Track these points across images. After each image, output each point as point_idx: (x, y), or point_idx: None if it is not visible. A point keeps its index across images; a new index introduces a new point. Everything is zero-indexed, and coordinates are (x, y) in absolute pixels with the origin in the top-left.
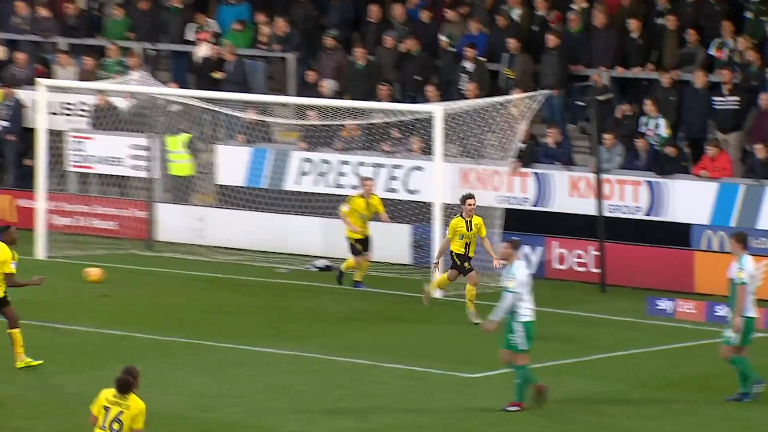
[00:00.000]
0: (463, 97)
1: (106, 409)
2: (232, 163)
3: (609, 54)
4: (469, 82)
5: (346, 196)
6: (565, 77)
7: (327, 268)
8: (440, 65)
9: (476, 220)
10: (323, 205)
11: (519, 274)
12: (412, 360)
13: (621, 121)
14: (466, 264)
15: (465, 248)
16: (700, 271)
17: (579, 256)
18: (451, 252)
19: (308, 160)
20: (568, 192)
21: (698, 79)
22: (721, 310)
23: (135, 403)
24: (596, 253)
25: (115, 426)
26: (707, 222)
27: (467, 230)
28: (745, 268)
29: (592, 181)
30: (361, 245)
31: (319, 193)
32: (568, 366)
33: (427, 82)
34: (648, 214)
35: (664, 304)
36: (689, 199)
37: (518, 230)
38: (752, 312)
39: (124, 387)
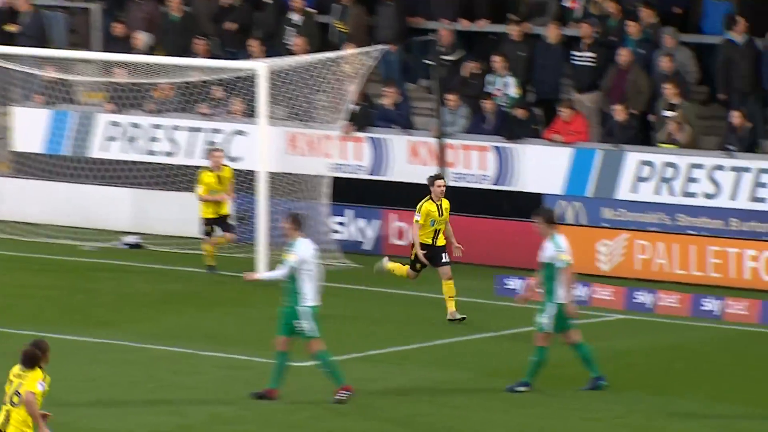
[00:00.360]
0: (289, 52)
1: (10, 383)
2: (29, 127)
3: (451, 5)
4: (296, 36)
5: (158, 164)
6: (404, 31)
7: (137, 246)
8: (264, 17)
9: (445, 204)
10: (133, 175)
11: (302, 251)
12: (232, 347)
13: (466, 80)
14: (417, 265)
15: (432, 237)
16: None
17: None
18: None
19: (116, 124)
20: (407, 159)
21: (551, 32)
22: (576, 290)
23: (34, 372)
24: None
25: (15, 399)
26: (561, 192)
27: (439, 215)
28: (564, 248)
29: (434, 146)
30: (211, 226)
31: (128, 161)
32: (409, 353)
33: (250, 36)
34: (496, 183)
35: (514, 284)
36: (541, 167)
37: (352, 201)
38: (563, 297)
39: (29, 360)
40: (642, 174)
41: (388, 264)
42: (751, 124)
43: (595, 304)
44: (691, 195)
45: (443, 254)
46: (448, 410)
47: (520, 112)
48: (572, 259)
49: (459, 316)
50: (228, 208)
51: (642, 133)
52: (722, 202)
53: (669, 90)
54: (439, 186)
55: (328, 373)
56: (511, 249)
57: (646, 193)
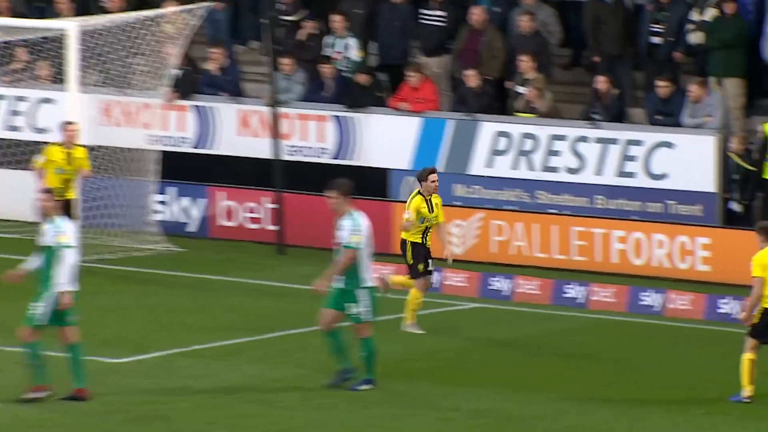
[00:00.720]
0: (103, 11)
1: None
2: None
3: None
4: None
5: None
6: None
7: None
8: None
9: (436, 200)
10: None
11: (68, 229)
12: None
13: (303, 42)
14: (420, 266)
15: (423, 235)
16: (400, 227)
17: (251, 210)
18: (405, 241)
19: None
20: (236, 130)
21: None
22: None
23: None
24: (273, 205)
25: None
26: (409, 166)
27: (429, 212)
28: (361, 228)
29: (266, 116)
30: None
31: None
32: (238, 347)
33: None
34: (336, 158)
35: None
36: (386, 139)
37: (175, 178)
38: (371, 280)
39: None
40: (498, 146)
41: (393, 278)
42: (618, 90)
43: (447, 291)
44: (553, 170)
45: (429, 260)
46: (279, 411)
47: (362, 78)
48: (364, 243)
49: (418, 331)
50: (75, 193)
51: (498, 101)
52: (587, 177)
53: (525, 63)
54: (433, 181)
55: (32, 367)
56: None
57: (502, 167)
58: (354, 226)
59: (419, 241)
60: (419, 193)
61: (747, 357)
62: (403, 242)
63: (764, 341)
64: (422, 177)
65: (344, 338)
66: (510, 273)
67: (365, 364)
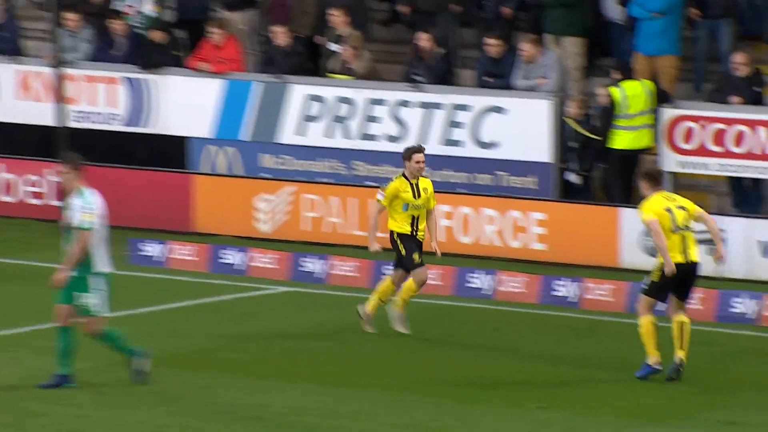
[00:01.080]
0: None
1: None
2: None
3: None
4: None
5: None
6: None
7: None
8: None
9: (425, 184)
10: None
11: None
12: None
13: None
14: (415, 255)
15: (412, 225)
16: (201, 202)
17: (33, 184)
18: (392, 233)
19: None
20: (15, 93)
21: None
22: (228, 256)
23: None
24: (57, 179)
25: None
26: (210, 134)
27: (414, 197)
28: (93, 207)
29: (49, 77)
30: None
31: None
32: (20, 337)
33: None
34: (129, 124)
35: (153, 249)
36: (185, 103)
37: None
38: (107, 265)
39: None
40: (310, 112)
41: (370, 304)
42: (443, 49)
43: (253, 273)
44: (371, 138)
45: (419, 251)
46: (67, 409)
47: (157, 35)
48: (98, 222)
49: (401, 329)
50: None
51: (310, 61)
52: (409, 145)
53: (337, 18)
54: (418, 161)
55: None
56: (148, 205)
57: (315, 135)
58: (85, 205)
59: (407, 232)
60: (403, 175)
61: (648, 320)
62: (391, 234)
63: (662, 300)
64: (406, 156)
65: (75, 340)
66: (324, 253)
67: (121, 350)
